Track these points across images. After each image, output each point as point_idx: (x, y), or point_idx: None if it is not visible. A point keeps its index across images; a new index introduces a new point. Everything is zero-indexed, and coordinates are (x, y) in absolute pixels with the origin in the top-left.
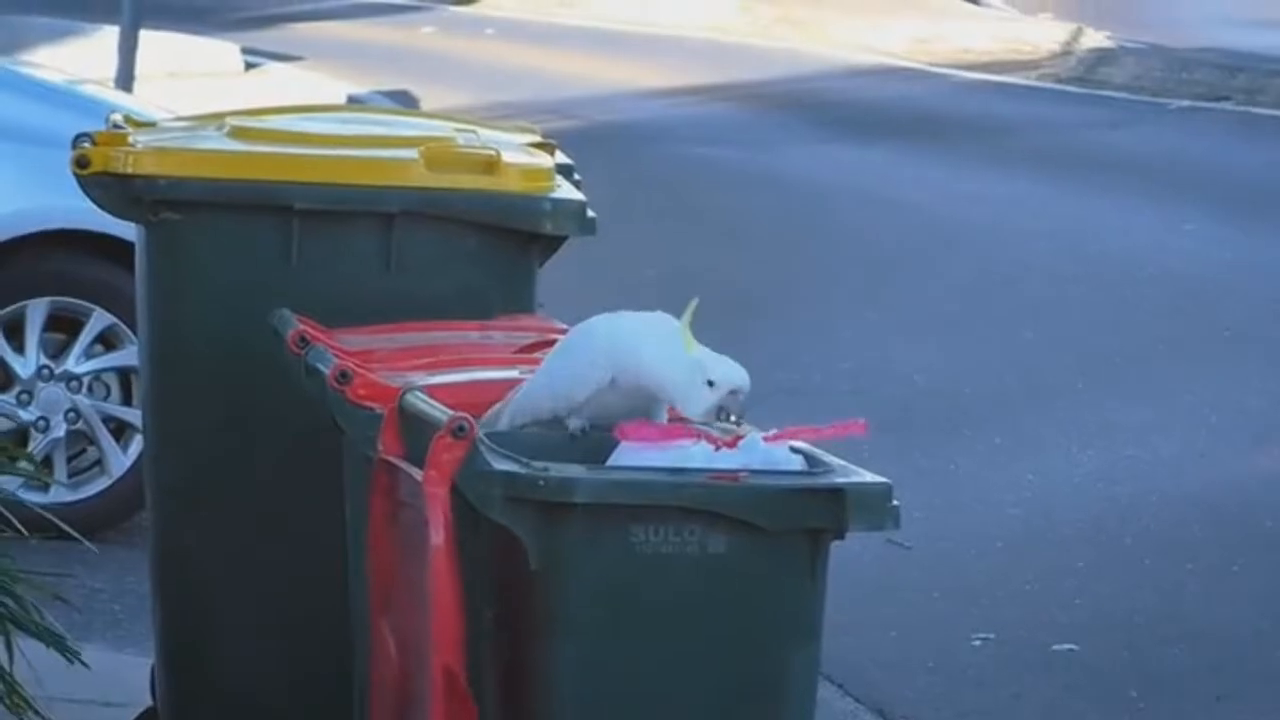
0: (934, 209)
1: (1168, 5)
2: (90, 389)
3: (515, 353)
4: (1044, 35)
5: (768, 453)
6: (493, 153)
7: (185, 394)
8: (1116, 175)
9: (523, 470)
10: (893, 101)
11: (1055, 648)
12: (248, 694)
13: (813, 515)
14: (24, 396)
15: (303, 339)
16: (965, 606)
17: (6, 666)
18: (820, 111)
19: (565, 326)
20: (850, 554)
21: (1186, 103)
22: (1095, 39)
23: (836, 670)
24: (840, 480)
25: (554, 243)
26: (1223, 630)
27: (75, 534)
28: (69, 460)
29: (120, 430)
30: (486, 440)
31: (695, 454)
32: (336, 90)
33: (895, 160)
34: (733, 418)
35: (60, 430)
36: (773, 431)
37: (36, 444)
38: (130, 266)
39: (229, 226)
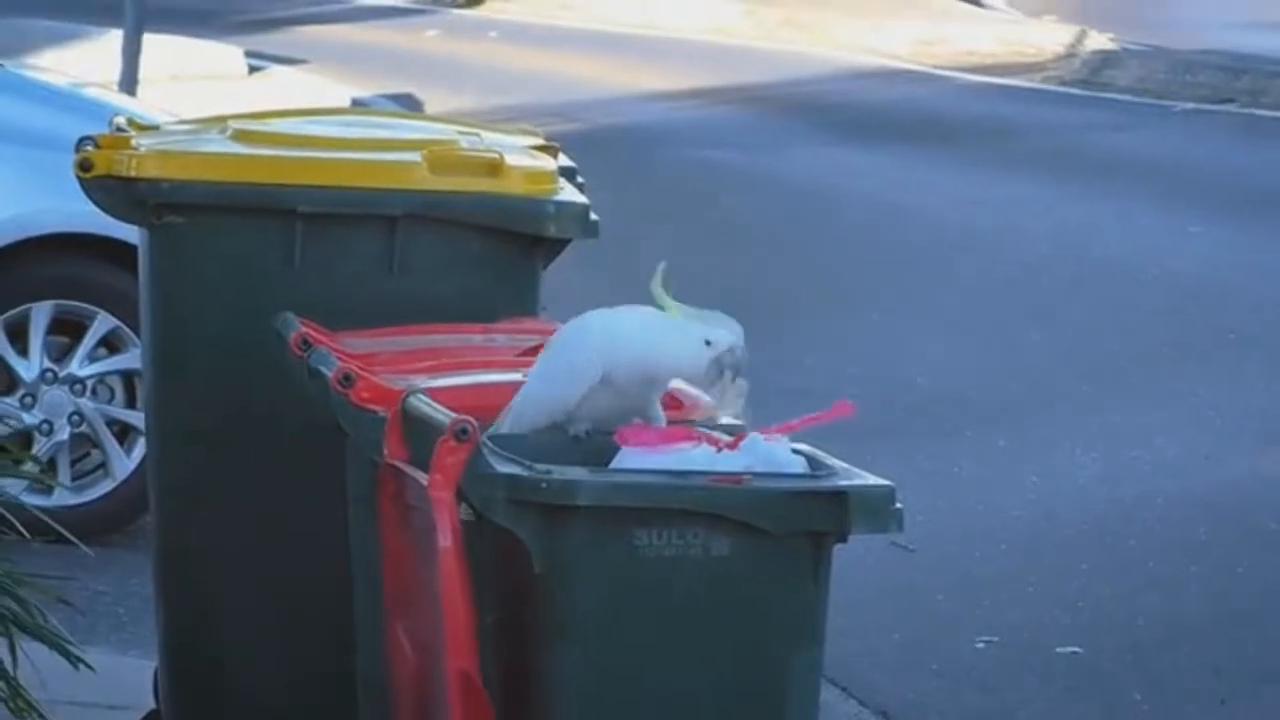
0: (938, 211)
1: (1171, 7)
2: (94, 392)
3: (518, 355)
4: (1048, 38)
5: (770, 454)
6: (496, 156)
7: (188, 396)
8: (1120, 177)
9: (525, 473)
10: (896, 104)
11: (1059, 650)
12: (251, 696)
13: (816, 518)
14: (28, 400)
15: (306, 342)
16: (969, 609)
17: (10, 669)
18: (824, 114)
19: None
20: (854, 556)
21: (1190, 105)
22: (1099, 41)
23: (840, 673)
24: (843, 483)
25: (557, 245)
26: (1227, 633)
27: (73, 538)
28: (73, 463)
29: (124, 433)
30: (489, 443)
31: (696, 457)
32: (340, 93)
33: (899, 163)
34: (733, 375)
35: (64, 433)
36: (766, 427)
37: (40, 447)
38: (134, 270)
39: (232, 230)
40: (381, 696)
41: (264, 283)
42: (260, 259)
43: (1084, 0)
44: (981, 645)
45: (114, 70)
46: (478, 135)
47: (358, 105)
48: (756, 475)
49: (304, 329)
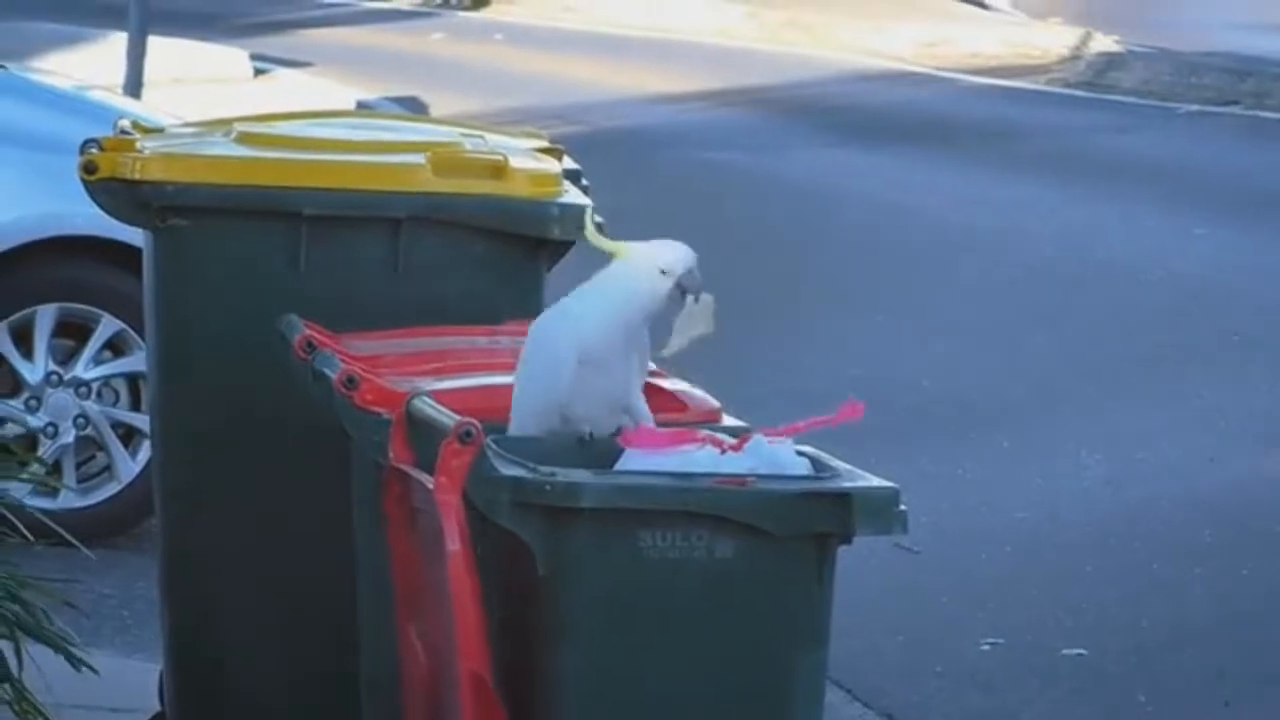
0: (942, 214)
1: (1176, 9)
2: (99, 395)
3: None
4: (1052, 40)
5: (774, 456)
6: (500, 158)
7: (193, 399)
8: (1125, 180)
9: (530, 475)
10: (900, 106)
11: (1064, 652)
12: (256, 700)
13: (819, 520)
14: (33, 402)
15: (310, 344)
16: (973, 611)
17: (15, 673)
18: (827, 116)
19: None
20: (858, 558)
21: (1195, 107)
22: (1104, 43)
23: (844, 675)
24: (847, 485)
25: (561, 248)
26: (1231, 635)
27: (75, 541)
28: (78, 466)
29: (129, 436)
30: (494, 445)
31: (701, 458)
32: (345, 96)
33: (903, 165)
34: (695, 296)
35: (69, 436)
36: (773, 428)
37: (45, 450)
38: (138, 272)
39: (237, 232)
40: (387, 698)
41: (268, 285)
42: (265, 261)
43: (1089, 2)
44: (986, 647)
45: (119, 73)
46: (482, 138)
47: (362, 108)
48: (760, 477)
49: (308, 331)
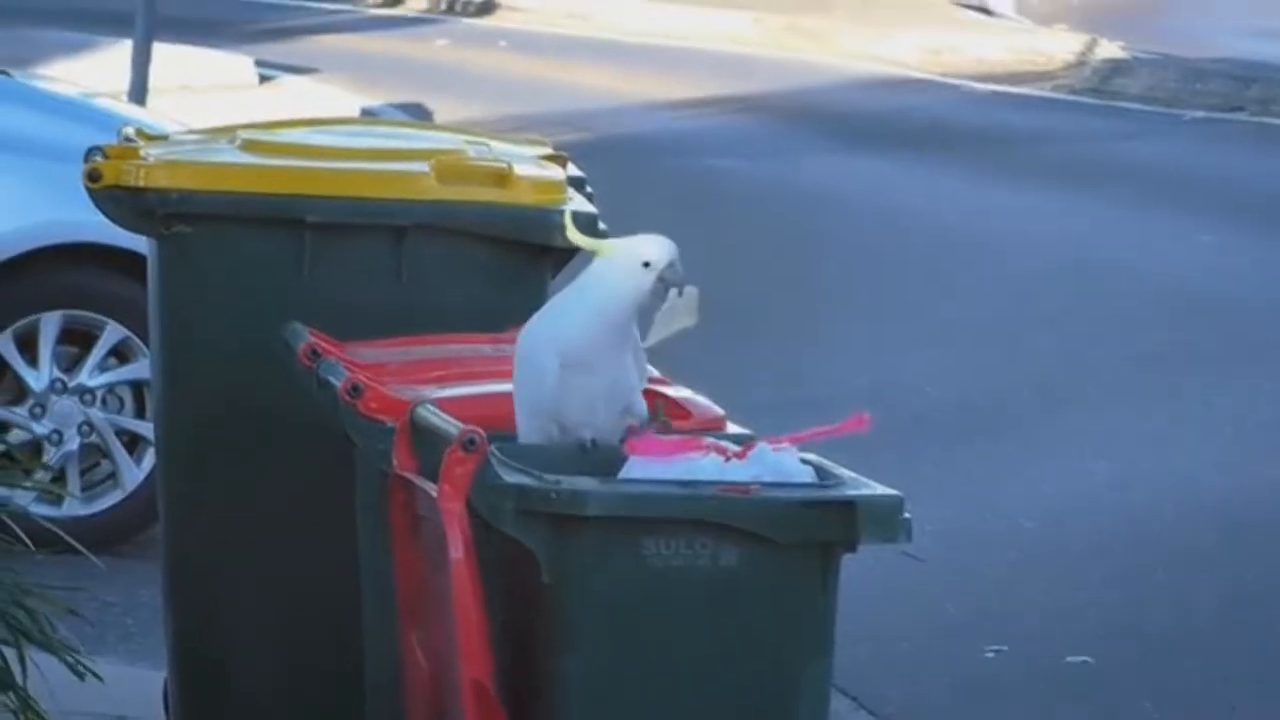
0: (947, 220)
1: (1182, 16)
2: (104, 402)
3: None
4: (1058, 46)
5: (778, 464)
6: (504, 165)
7: (197, 405)
8: (1131, 186)
9: (534, 483)
10: (905, 112)
11: (1069, 659)
12: (261, 707)
13: (824, 528)
14: (37, 410)
15: (314, 352)
16: (978, 618)
17: (19, 680)
18: (832, 122)
19: None
20: (863, 565)
21: (1201, 113)
22: (1110, 50)
23: (850, 682)
24: (851, 493)
25: (566, 255)
26: (1237, 641)
27: (81, 549)
28: (82, 474)
29: (134, 443)
30: (498, 453)
31: (705, 466)
32: (350, 103)
33: (908, 171)
34: (679, 289)
35: (74, 443)
36: (777, 436)
37: (50, 457)
38: (143, 279)
39: (241, 240)
40: (389, 702)
41: (273, 292)
42: (269, 269)
43: (1094, 9)
44: (991, 654)
45: (124, 80)
46: (486, 145)
47: (367, 115)
48: (765, 485)
49: (312, 339)
